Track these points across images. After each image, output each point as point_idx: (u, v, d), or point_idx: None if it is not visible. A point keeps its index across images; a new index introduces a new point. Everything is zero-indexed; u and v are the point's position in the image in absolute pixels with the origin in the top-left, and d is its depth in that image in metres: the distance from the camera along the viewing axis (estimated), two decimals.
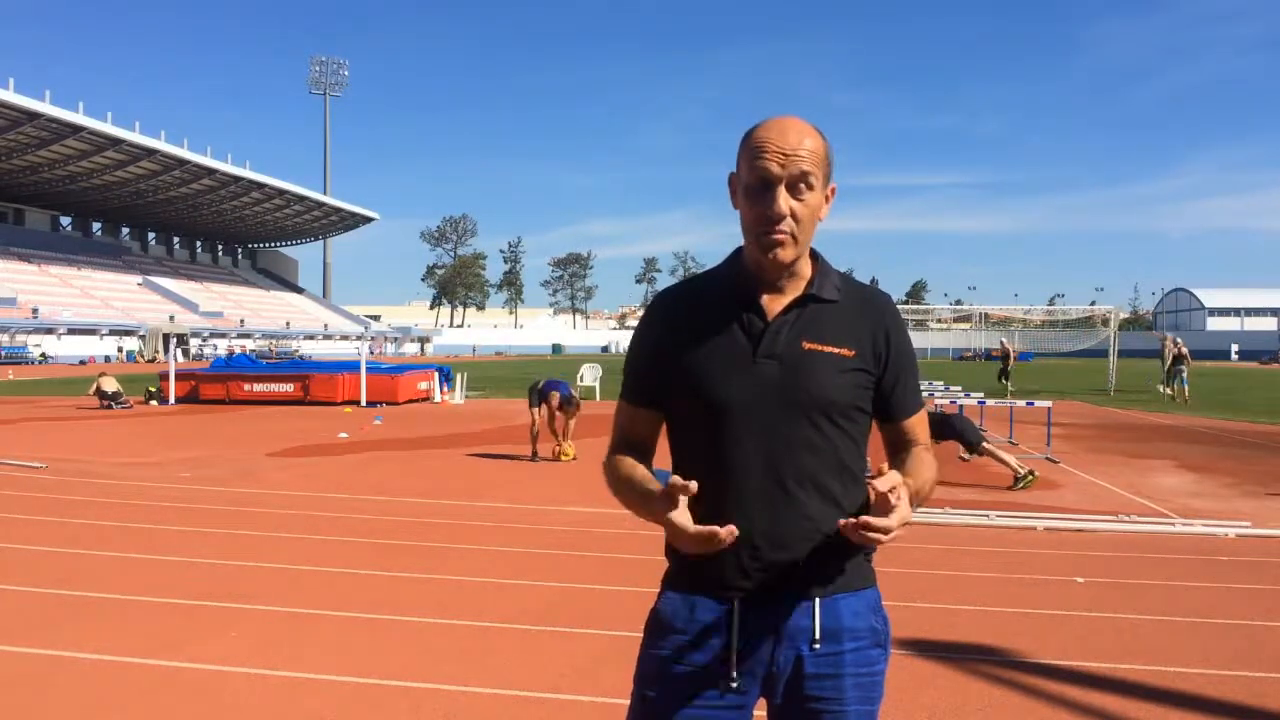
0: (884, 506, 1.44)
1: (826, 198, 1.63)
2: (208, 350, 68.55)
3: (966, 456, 10.15)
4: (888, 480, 1.44)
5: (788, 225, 1.56)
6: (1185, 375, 22.27)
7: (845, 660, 1.59)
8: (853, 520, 1.43)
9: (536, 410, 11.19)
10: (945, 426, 9.60)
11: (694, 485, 1.46)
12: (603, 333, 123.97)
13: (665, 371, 1.66)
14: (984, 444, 9.45)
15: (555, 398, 11.06)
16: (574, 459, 10.99)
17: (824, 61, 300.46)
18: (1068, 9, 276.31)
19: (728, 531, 1.43)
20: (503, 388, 28.23)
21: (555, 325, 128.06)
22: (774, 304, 1.63)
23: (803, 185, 1.56)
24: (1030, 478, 9.15)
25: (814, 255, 1.68)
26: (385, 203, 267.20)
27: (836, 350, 1.61)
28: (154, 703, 3.62)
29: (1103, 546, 6.60)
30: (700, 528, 1.45)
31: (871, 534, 1.41)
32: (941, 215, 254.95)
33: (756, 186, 1.57)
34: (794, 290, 1.64)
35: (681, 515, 1.47)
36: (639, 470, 1.66)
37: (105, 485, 9.08)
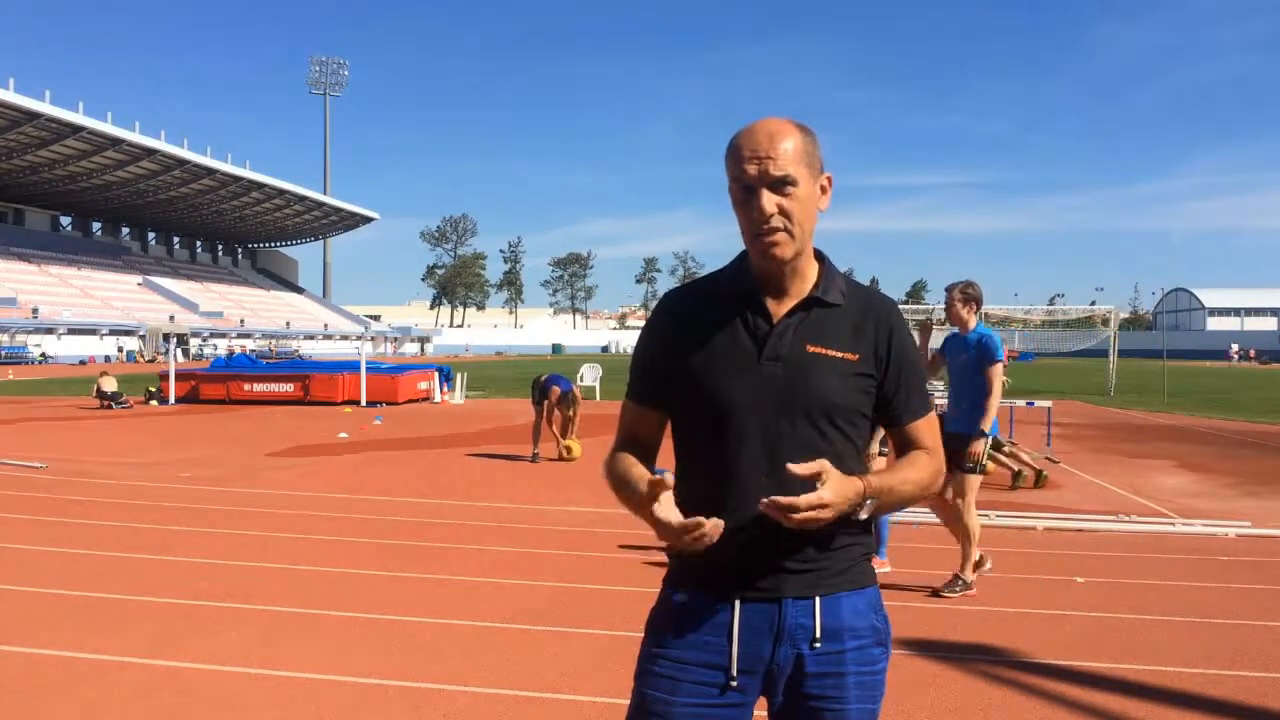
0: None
1: (823, 188, 1.63)
2: (208, 350, 68.55)
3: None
4: (806, 466, 1.49)
5: (778, 222, 1.56)
6: None
7: (847, 659, 1.60)
8: (764, 500, 1.47)
9: (540, 407, 11.20)
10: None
11: (670, 479, 1.49)
12: (603, 333, 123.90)
13: (670, 372, 1.67)
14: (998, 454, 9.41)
15: (555, 392, 11.06)
16: (577, 459, 10.98)
17: (825, 61, 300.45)
18: (1070, 9, 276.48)
19: (713, 524, 1.45)
20: (503, 388, 28.23)
21: (555, 325, 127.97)
22: (779, 306, 1.64)
23: (786, 184, 1.56)
24: (1023, 476, 9.16)
25: (820, 257, 1.68)
26: (385, 203, 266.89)
27: (840, 354, 1.62)
28: (154, 702, 3.62)
29: (1103, 546, 6.61)
30: (683, 519, 1.46)
31: (778, 511, 1.45)
32: (941, 215, 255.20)
33: (741, 193, 1.58)
34: (799, 292, 1.65)
35: (664, 510, 1.49)
36: (635, 469, 1.66)
37: (105, 485, 9.08)
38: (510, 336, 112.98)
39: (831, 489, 1.48)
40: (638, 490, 1.57)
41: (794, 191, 1.57)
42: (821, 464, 1.50)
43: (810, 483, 1.54)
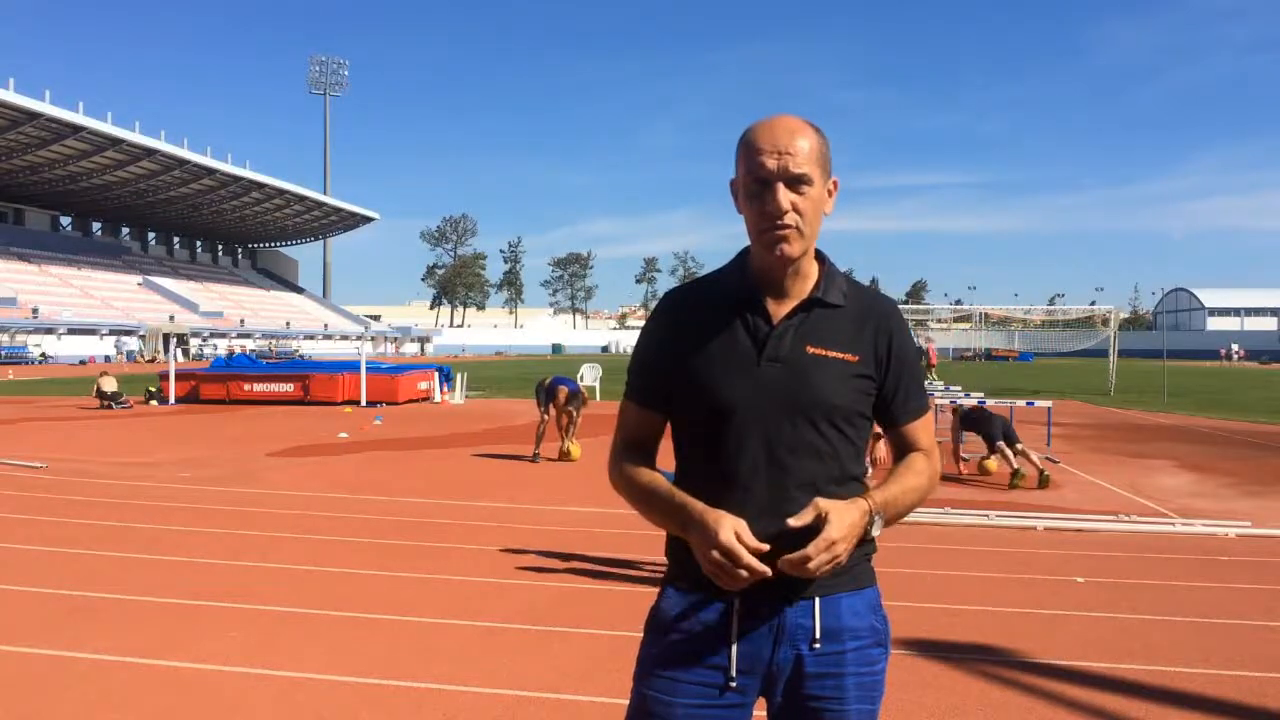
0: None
1: (829, 191, 1.63)
2: (208, 350, 68.52)
3: (970, 455, 10.21)
4: (802, 516, 1.49)
5: (791, 219, 1.56)
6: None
7: (847, 659, 1.60)
8: (781, 561, 1.47)
9: (545, 409, 11.15)
10: (967, 420, 9.84)
11: (765, 547, 1.48)
12: (603, 333, 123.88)
13: (670, 373, 1.67)
14: (999, 445, 9.41)
15: (563, 392, 11.02)
16: (576, 459, 10.97)
17: (824, 61, 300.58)
18: (1069, 9, 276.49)
19: (763, 571, 1.47)
20: (503, 388, 28.23)
21: (555, 325, 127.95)
22: (779, 307, 1.63)
23: (801, 183, 1.56)
24: (1022, 475, 9.17)
25: (821, 258, 1.68)
26: (385, 203, 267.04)
27: (840, 355, 1.61)
28: (154, 703, 3.62)
29: (1103, 546, 6.61)
30: (757, 563, 1.46)
31: (794, 568, 1.46)
32: (941, 215, 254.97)
33: (755, 187, 1.57)
34: (800, 293, 1.64)
35: (729, 537, 1.48)
36: (661, 481, 1.67)
37: (105, 485, 9.08)
38: (510, 336, 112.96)
39: (835, 525, 1.48)
40: (684, 510, 1.56)
41: (808, 191, 1.56)
42: (816, 505, 1.50)
43: (799, 491, 1.54)
